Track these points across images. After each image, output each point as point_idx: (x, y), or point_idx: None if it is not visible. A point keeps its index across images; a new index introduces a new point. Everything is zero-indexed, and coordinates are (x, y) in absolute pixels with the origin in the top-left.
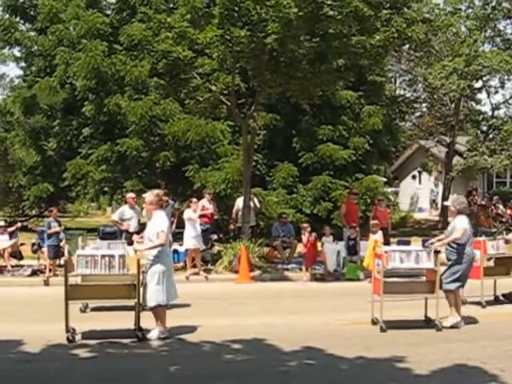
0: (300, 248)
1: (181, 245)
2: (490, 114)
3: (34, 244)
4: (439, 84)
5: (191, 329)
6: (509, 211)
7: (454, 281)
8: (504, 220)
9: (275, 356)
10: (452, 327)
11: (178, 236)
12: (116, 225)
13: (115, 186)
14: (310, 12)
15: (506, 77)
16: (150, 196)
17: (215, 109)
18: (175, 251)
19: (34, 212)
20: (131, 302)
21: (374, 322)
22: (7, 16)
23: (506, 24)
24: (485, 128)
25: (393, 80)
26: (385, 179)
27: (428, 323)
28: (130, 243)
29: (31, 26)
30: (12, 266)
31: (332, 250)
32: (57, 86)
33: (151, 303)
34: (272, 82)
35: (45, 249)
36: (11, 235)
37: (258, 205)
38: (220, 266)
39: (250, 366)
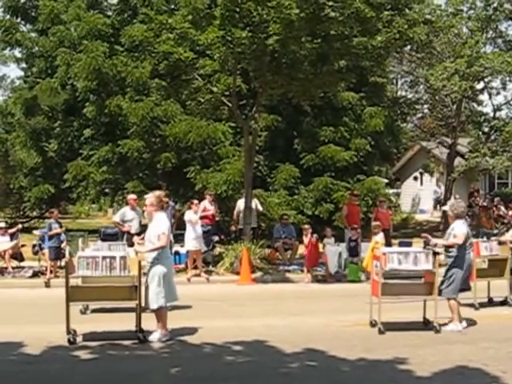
0: (301, 249)
1: (182, 246)
2: (491, 115)
3: (34, 245)
4: (441, 85)
5: (192, 330)
6: (510, 212)
7: (453, 287)
8: (506, 221)
9: (276, 358)
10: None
11: (179, 237)
12: (117, 226)
13: (116, 187)
14: (312, 13)
15: (507, 78)
16: (150, 198)
17: (216, 110)
18: (176, 253)
19: (34, 213)
20: (132, 304)
21: (373, 324)
22: (8, 17)
23: (507, 25)
24: (486, 129)
25: (394, 81)
26: (386, 180)
27: (426, 325)
28: (131, 245)
29: (32, 26)
30: (13, 268)
31: (333, 251)
32: (58, 87)
33: (153, 305)
34: (273, 83)
35: (46, 250)
36: (12, 237)
37: (259, 208)
38: (221, 268)
39: (251, 368)
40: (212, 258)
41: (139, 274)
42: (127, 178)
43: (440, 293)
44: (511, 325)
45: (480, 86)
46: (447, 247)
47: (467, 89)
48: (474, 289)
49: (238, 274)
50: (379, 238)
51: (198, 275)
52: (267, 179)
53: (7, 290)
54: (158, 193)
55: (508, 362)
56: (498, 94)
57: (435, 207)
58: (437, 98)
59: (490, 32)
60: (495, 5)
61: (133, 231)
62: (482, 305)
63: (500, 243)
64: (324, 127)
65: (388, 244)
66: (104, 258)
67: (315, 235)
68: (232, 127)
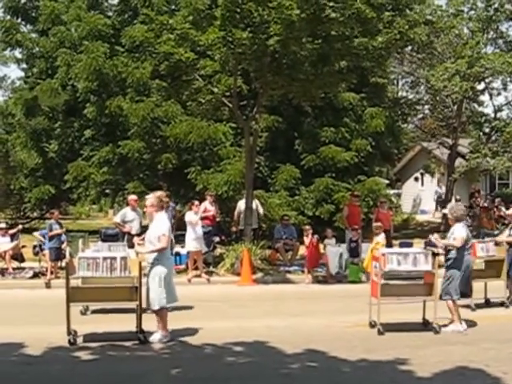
0: (302, 250)
1: (183, 247)
2: (492, 115)
3: (35, 246)
4: (441, 86)
5: (193, 331)
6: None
7: (452, 290)
8: (506, 222)
9: (277, 358)
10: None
11: (179, 238)
12: (118, 227)
13: (117, 188)
14: (313, 14)
15: (508, 79)
16: (150, 198)
17: (217, 111)
18: (177, 253)
19: (35, 214)
20: (133, 305)
21: (372, 325)
22: (8, 17)
23: (508, 26)
24: (487, 130)
25: (395, 82)
26: (387, 181)
27: (426, 326)
28: (132, 245)
29: (33, 27)
30: (13, 269)
31: (334, 252)
32: (58, 87)
33: (155, 306)
34: (274, 83)
35: (46, 251)
36: (12, 237)
37: (260, 210)
38: (222, 269)
39: (251, 369)
40: (213, 259)
41: (140, 275)
42: (128, 179)
43: (441, 297)
44: None
45: (481, 86)
46: (447, 250)
47: (468, 89)
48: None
49: (238, 274)
50: (380, 238)
51: (199, 276)
52: (268, 180)
53: (8, 291)
54: (158, 193)
55: (509, 363)
56: (499, 94)
57: (437, 208)
58: (437, 98)
59: (491, 33)
60: (496, 5)
61: (133, 232)
62: (479, 306)
63: (496, 244)
64: (325, 128)
65: (389, 245)
66: (105, 258)
67: (316, 236)
68: (233, 128)
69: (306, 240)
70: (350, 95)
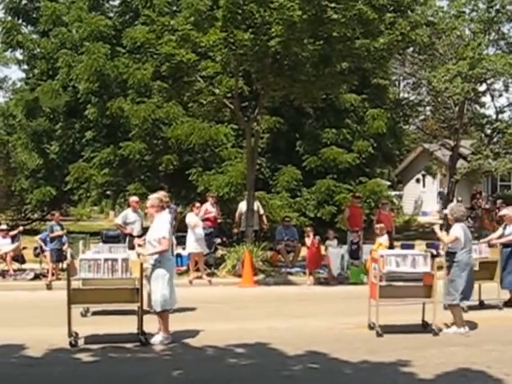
0: (304, 252)
1: (184, 249)
2: (494, 117)
3: (36, 248)
4: (443, 87)
5: (194, 333)
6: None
7: (453, 294)
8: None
9: (279, 360)
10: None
11: (180, 240)
12: (119, 228)
13: (118, 189)
14: (314, 15)
15: (510, 80)
16: (151, 199)
17: (218, 112)
18: (178, 255)
19: (36, 215)
20: (134, 306)
21: (371, 327)
22: (9, 18)
23: (510, 27)
24: (489, 131)
25: (397, 83)
26: (389, 183)
27: (425, 328)
28: (133, 247)
29: (34, 28)
30: (14, 270)
31: (336, 253)
32: (59, 88)
33: (157, 307)
34: (275, 85)
35: (47, 252)
36: (13, 239)
37: (261, 211)
38: (223, 270)
39: (253, 371)
40: (214, 261)
41: (141, 277)
42: (129, 180)
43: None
44: None
45: (482, 88)
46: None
47: (469, 91)
48: None
49: (240, 276)
50: (383, 239)
51: (200, 277)
52: (269, 181)
53: (8, 293)
54: (162, 193)
55: (511, 365)
56: (501, 96)
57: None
58: (439, 99)
59: (493, 34)
60: (498, 7)
61: (135, 233)
62: (473, 308)
63: (490, 245)
64: (326, 129)
65: (390, 246)
66: (106, 260)
67: (317, 237)
68: (234, 129)
69: (308, 241)
70: (352, 96)
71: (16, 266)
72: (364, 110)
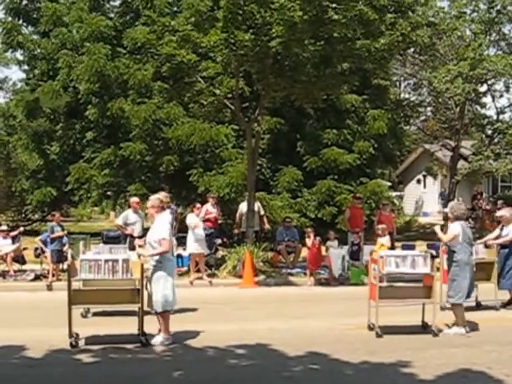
0: (304, 252)
1: (184, 249)
2: (494, 117)
3: (36, 248)
4: (444, 88)
5: (195, 334)
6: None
7: (455, 293)
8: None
9: (279, 361)
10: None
11: (181, 240)
12: (120, 229)
13: (118, 190)
14: (315, 15)
15: (510, 80)
16: (151, 199)
17: (219, 113)
18: (179, 256)
19: (36, 216)
20: (135, 307)
21: (371, 328)
22: (10, 19)
23: (511, 28)
24: (490, 132)
25: (397, 84)
26: (389, 183)
27: (425, 329)
28: (133, 248)
29: (34, 29)
30: (15, 271)
31: (337, 254)
32: (60, 89)
33: (159, 308)
34: (276, 85)
35: (48, 253)
36: (14, 240)
37: (261, 212)
38: (224, 271)
39: (254, 371)
40: (215, 261)
41: (142, 277)
42: (129, 181)
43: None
44: None
45: (483, 88)
46: (448, 252)
47: (470, 91)
48: None
49: (240, 277)
50: (385, 240)
51: (201, 278)
52: (270, 182)
53: (9, 293)
54: (163, 193)
55: (511, 366)
56: (502, 96)
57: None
58: (440, 100)
59: (494, 34)
60: (498, 7)
61: (135, 234)
62: (470, 309)
63: (486, 246)
64: (327, 130)
65: (392, 247)
66: (106, 261)
67: (318, 237)
68: (235, 130)
69: (308, 242)
70: (353, 97)
71: (16, 266)
72: (365, 111)
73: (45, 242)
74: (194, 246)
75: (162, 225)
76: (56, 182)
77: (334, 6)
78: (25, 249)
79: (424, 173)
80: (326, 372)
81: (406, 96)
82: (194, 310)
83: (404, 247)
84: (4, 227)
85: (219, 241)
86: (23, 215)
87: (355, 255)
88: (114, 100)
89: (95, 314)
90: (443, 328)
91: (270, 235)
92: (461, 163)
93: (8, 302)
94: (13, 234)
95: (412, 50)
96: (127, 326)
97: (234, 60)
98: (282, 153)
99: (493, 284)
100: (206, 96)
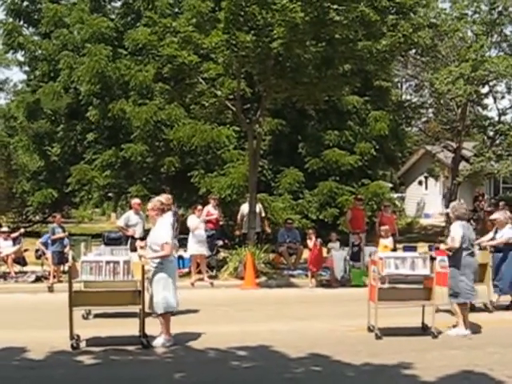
0: (306, 254)
1: (185, 251)
2: (496, 119)
3: (37, 250)
4: (445, 89)
5: (196, 335)
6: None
7: (456, 294)
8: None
9: (281, 363)
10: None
11: (182, 242)
12: (121, 231)
13: (119, 191)
14: (316, 17)
15: None
16: (152, 202)
17: (220, 114)
18: (180, 257)
19: (37, 218)
20: (136, 309)
21: (371, 330)
22: (11, 20)
23: None
24: (491, 133)
25: (399, 85)
26: (391, 185)
27: (425, 330)
28: (134, 249)
29: (35, 30)
30: (15, 273)
31: (339, 256)
32: (61, 90)
33: (159, 310)
34: (278, 87)
35: (49, 255)
36: (15, 241)
37: (262, 213)
38: (225, 273)
39: (255, 373)
40: (216, 263)
41: (143, 279)
42: (130, 183)
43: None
44: None
45: (485, 90)
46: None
47: (472, 93)
48: None
49: (242, 278)
50: (388, 242)
51: (202, 280)
52: (271, 183)
53: (10, 295)
54: (163, 196)
55: None
56: (503, 97)
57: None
58: (441, 101)
59: (495, 36)
60: (500, 9)
61: (137, 236)
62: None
63: (480, 248)
64: (328, 131)
65: (393, 249)
66: (107, 262)
67: (319, 239)
68: (236, 131)
69: (310, 243)
70: (354, 98)
71: (17, 268)
72: (366, 112)
73: (46, 244)
74: (195, 247)
75: (163, 228)
76: (57, 184)
77: (335, 7)
78: (26, 250)
79: (425, 174)
80: (327, 374)
81: (408, 97)
82: (195, 311)
83: (405, 249)
84: (5, 229)
85: (220, 242)
86: (24, 217)
87: (355, 256)
88: (115, 101)
89: (96, 316)
90: (445, 329)
91: (272, 237)
92: (462, 165)
93: (9, 303)
94: (14, 235)
95: (413, 51)
96: (128, 328)
97: (236, 61)
98: (283, 154)
99: (486, 286)
100: (208, 97)
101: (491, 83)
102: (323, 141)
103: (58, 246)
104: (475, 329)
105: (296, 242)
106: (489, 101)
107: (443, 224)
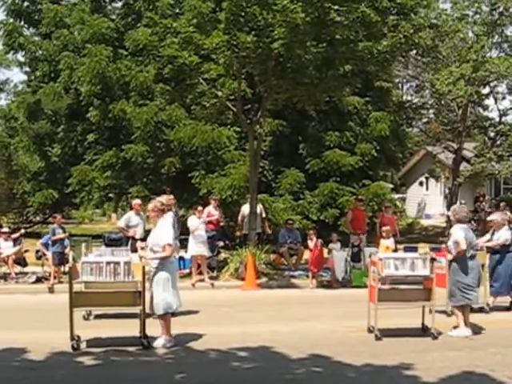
0: (307, 255)
1: (186, 252)
2: (497, 120)
3: (38, 251)
4: (446, 90)
5: (197, 336)
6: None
7: (455, 296)
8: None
9: (282, 363)
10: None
11: (183, 243)
12: (122, 231)
13: (120, 192)
14: (317, 17)
15: None
16: (152, 203)
17: (221, 115)
18: (181, 258)
19: (38, 218)
20: (136, 310)
21: (371, 331)
22: (11, 20)
23: None
24: (492, 134)
25: (400, 86)
26: (392, 185)
27: (425, 331)
28: (136, 250)
29: (35, 30)
30: (16, 273)
31: (340, 257)
32: (61, 91)
33: (159, 311)
34: (278, 87)
35: (49, 255)
36: (15, 242)
37: (263, 214)
38: (226, 273)
39: (256, 374)
40: (217, 264)
41: (143, 280)
42: (131, 183)
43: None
44: None
45: (486, 90)
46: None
47: (473, 93)
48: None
49: (242, 279)
50: (390, 242)
51: (203, 280)
52: (272, 184)
53: (10, 296)
54: (165, 197)
55: None
56: (504, 98)
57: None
58: (442, 102)
59: (496, 37)
60: (501, 9)
61: (137, 236)
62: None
63: (477, 249)
64: (329, 132)
65: (394, 249)
66: (108, 263)
67: (320, 240)
68: (237, 132)
69: (310, 244)
70: (355, 99)
71: (18, 269)
72: (367, 113)
73: (46, 245)
74: (195, 248)
75: (165, 229)
76: (57, 184)
77: (336, 7)
78: (26, 251)
79: (426, 175)
80: (328, 375)
81: (409, 98)
82: (196, 312)
83: (406, 249)
84: (5, 229)
85: (221, 243)
86: (24, 217)
87: (355, 257)
88: (115, 102)
89: (97, 317)
90: (446, 330)
91: (272, 237)
92: (463, 165)
93: (9, 304)
94: (14, 236)
95: (414, 52)
96: (129, 329)
97: (236, 62)
98: (284, 155)
99: (482, 287)
100: (208, 98)
101: (492, 84)
102: (324, 141)
103: (59, 246)
104: (476, 330)
105: (297, 242)
106: (490, 101)
107: (444, 225)
